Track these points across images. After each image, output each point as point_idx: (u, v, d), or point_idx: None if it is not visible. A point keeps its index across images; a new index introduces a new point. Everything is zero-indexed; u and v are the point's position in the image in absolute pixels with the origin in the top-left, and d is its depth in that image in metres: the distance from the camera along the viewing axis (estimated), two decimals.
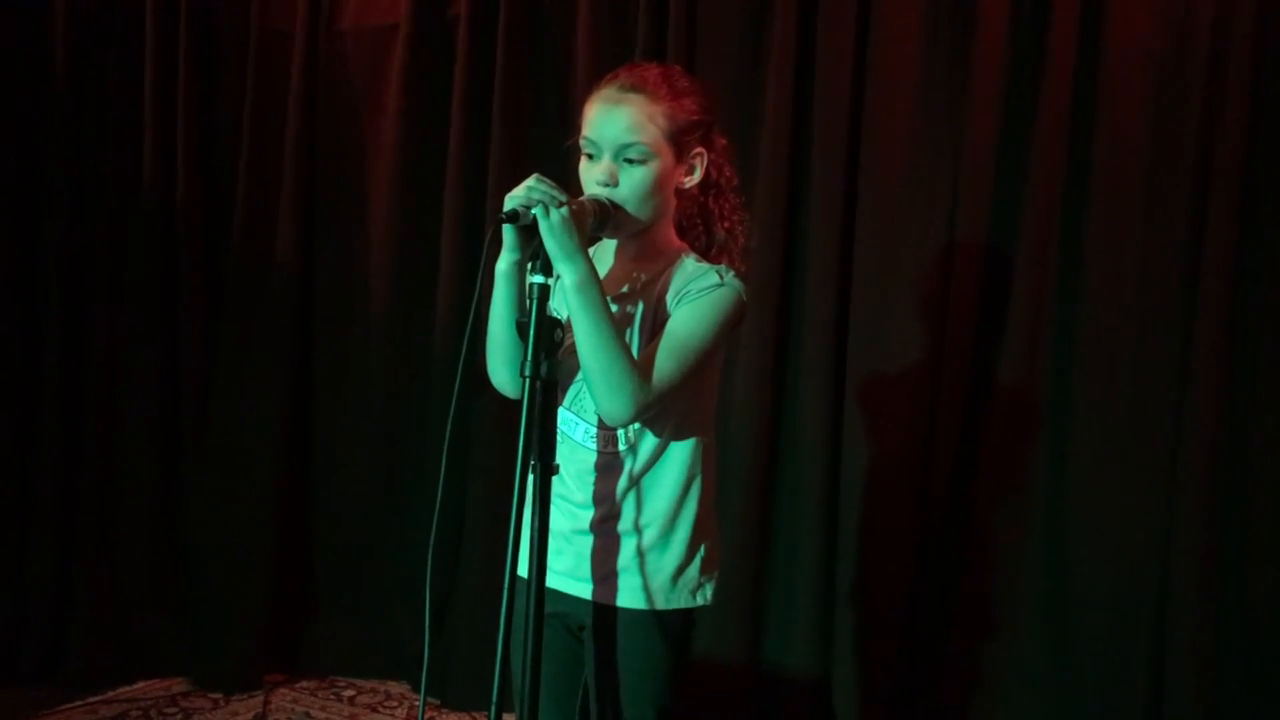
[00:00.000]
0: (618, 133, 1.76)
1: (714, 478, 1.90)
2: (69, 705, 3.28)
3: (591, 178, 1.78)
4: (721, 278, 1.77)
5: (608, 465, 1.81)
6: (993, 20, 2.84)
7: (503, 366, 1.81)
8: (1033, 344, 2.88)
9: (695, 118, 1.81)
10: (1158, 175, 2.77)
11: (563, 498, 1.82)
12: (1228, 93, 2.66)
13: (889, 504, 3.00)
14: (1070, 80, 2.79)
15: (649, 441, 1.81)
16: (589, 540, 1.83)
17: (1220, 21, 2.68)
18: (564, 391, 1.82)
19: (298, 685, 3.56)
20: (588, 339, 1.67)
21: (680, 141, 1.79)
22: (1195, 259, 2.72)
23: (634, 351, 1.76)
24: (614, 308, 1.74)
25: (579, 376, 1.79)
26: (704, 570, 1.87)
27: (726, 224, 1.89)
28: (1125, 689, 2.83)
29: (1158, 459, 2.79)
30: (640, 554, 1.82)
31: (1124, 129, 2.78)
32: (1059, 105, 2.80)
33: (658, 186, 1.78)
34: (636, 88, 1.77)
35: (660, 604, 1.82)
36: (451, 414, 1.66)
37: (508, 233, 1.67)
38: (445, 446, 1.69)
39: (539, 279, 1.63)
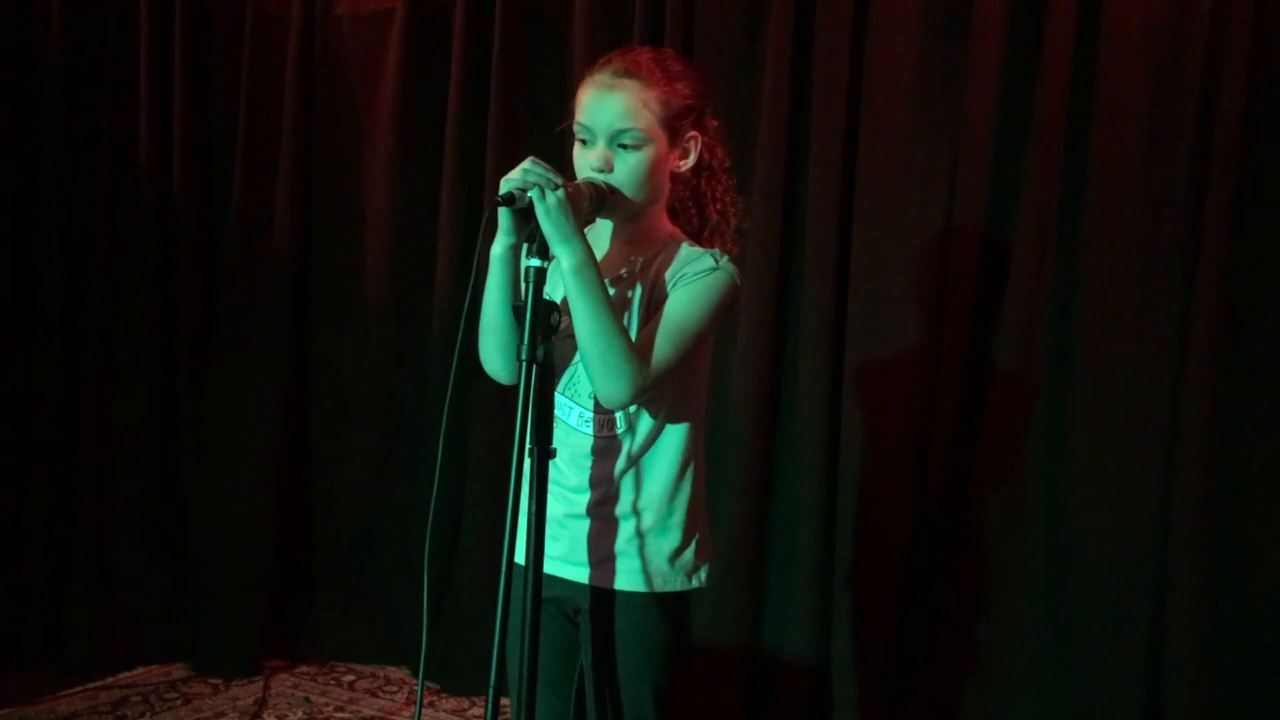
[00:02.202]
0: (612, 119, 1.75)
1: (705, 464, 1.90)
2: (69, 690, 3.30)
3: (586, 163, 1.78)
4: (716, 262, 1.78)
5: (604, 448, 1.81)
6: (990, 3, 2.83)
7: (496, 351, 1.80)
8: (1030, 329, 2.88)
9: (689, 102, 1.80)
10: (1156, 158, 2.77)
11: (556, 482, 1.82)
12: (1226, 73, 2.65)
13: (887, 488, 3.01)
14: (1069, 61, 2.79)
15: (646, 422, 1.81)
16: (585, 524, 1.83)
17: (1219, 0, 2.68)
18: (558, 376, 1.82)
19: (297, 670, 3.57)
20: (586, 321, 1.67)
21: (674, 126, 1.79)
22: (1193, 241, 2.71)
23: (631, 335, 1.76)
24: (611, 291, 1.74)
25: (573, 360, 1.79)
26: (699, 554, 1.87)
27: (719, 205, 1.89)
28: (1123, 673, 2.83)
29: (1155, 444, 2.79)
30: (639, 536, 1.82)
31: (1122, 110, 2.77)
32: (1057, 87, 2.79)
33: (652, 171, 1.78)
34: (630, 73, 1.77)
35: (659, 586, 1.82)
36: (448, 399, 1.66)
37: (503, 216, 1.67)
38: (442, 431, 1.69)
39: (535, 262, 1.62)
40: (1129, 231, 2.80)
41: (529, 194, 1.62)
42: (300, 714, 3.24)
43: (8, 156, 3.45)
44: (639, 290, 1.82)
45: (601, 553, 1.83)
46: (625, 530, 1.83)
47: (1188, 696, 2.74)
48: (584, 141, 1.79)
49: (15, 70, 3.45)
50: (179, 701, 3.28)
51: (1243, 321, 2.71)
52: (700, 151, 1.84)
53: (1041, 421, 2.90)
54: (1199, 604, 2.73)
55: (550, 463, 1.69)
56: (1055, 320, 2.88)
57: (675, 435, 1.83)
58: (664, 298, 1.77)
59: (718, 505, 2.86)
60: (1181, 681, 2.74)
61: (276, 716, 3.22)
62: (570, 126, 1.82)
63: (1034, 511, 2.92)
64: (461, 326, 1.65)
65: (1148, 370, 2.80)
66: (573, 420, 1.83)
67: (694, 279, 1.76)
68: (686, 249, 1.83)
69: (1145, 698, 2.81)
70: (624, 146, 1.76)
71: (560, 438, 1.79)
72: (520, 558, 1.66)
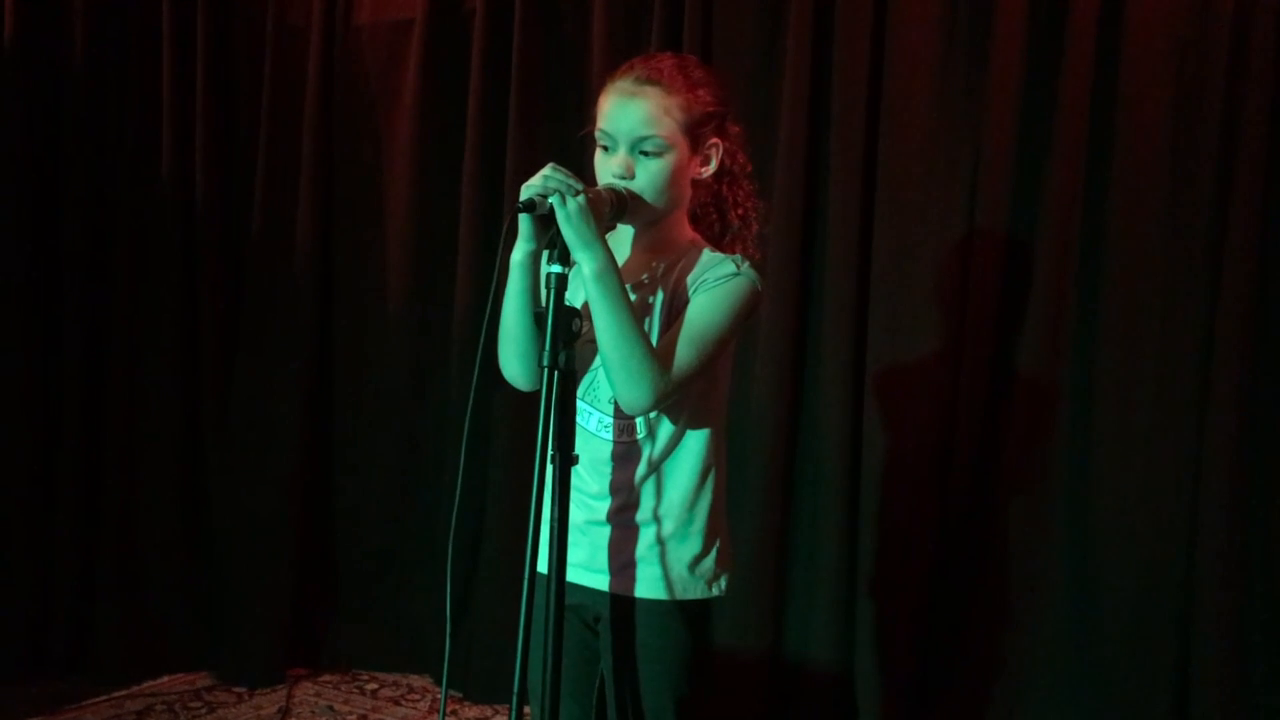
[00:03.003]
0: (634, 126, 1.75)
1: (725, 471, 1.89)
2: (95, 700, 3.31)
3: (607, 170, 1.78)
4: (738, 267, 1.78)
5: (625, 454, 1.81)
6: (1012, 4, 2.82)
7: (515, 358, 1.81)
8: (1054, 332, 2.86)
9: (711, 109, 1.80)
10: (1180, 159, 2.74)
11: (576, 489, 1.81)
12: (1251, 75, 2.63)
13: (910, 494, 2.99)
14: (1091, 63, 2.77)
15: (667, 427, 1.81)
16: (605, 531, 1.83)
17: (1244, 2, 2.65)
18: (578, 382, 1.81)
19: (320, 679, 3.57)
20: (608, 327, 1.67)
21: (696, 133, 1.79)
22: (1219, 242, 2.69)
23: (653, 340, 1.76)
24: (632, 297, 1.73)
25: (593, 366, 1.79)
26: (720, 562, 1.87)
27: (740, 211, 1.89)
28: (1149, 680, 2.80)
29: (1181, 447, 2.76)
30: (659, 543, 1.81)
31: (1146, 112, 2.75)
32: (1080, 89, 2.77)
33: (674, 178, 1.78)
34: (652, 80, 1.76)
35: (679, 593, 1.82)
36: (470, 406, 1.66)
37: (524, 222, 1.67)
38: (464, 439, 1.69)
39: (556, 268, 1.62)
40: (1153, 233, 2.77)
41: (550, 200, 1.62)
42: None
43: (32, 164, 3.47)
44: (660, 296, 1.81)
45: (622, 560, 1.83)
46: (646, 537, 1.82)
47: (1215, 703, 2.70)
48: (605, 148, 1.79)
49: (39, 78, 3.47)
50: (204, 710, 3.29)
51: (1269, 322, 2.69)
52: (722, 157, 1.84)
53: (1066, 425, 2.88)
54: (1227, 611, 2.70)
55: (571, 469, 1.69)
56: (1079, 323, 2.85)
57: (696, 441, 1.83)
58: (685, 303, 1.77)
59: (739, 511, 2.85)
60: (1210, 688, 2.71)
61: None
62: (591, 132, 1.82)
63: (1059, 517, 2.89)
64: (483, 333, 1.65)
65: (1173, 372, 2.78)
66: (592, 426, 1.83)
67: (715, 285, 1.76)
68: (708, 254, 1.82)
69: (1173, 706, 2.78)
70: (645, 153, 1.76)
71: (580, 444, 1.78)
72: (542, 565, 1.66)
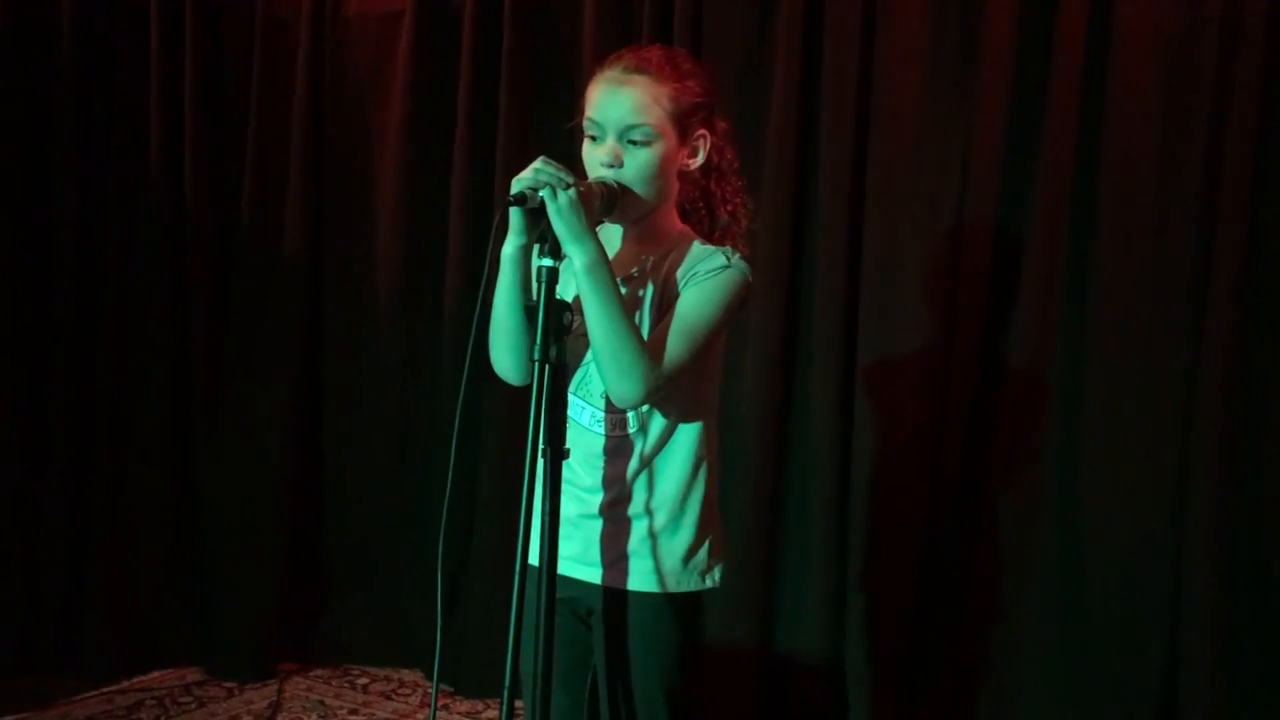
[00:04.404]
0: (622, 114, 1.75)
1: (717, 463, 1.89)
2: (85, 695, 3.30)
3: (595, 159, 1.78)
4: (728, 260, 1.77)
5: (617, 448, 1.81)
6: (1002, 1, 2.81)
7: (505, 352, 1.80)
8: (1043, 326, 2.86)
9: (699, 100, 1.80)
10: (1169, 152, 2.75)
11: (569, 483, 1.80)
12: (1240, 69, 2.63)
13: (900, 489, 2.99)
14: (1081, 58, 2.77)
15: (658, 421, 1.81)
16: (598, 525, 1.83)
17: (1233, 1, 2.65)
18: (570, 376, 1.81)
19: (311, 673, 3.58)
20: (599, 321, 1.67)
21: (684, 123, 1.79)
22: (1208, 237, 2.70)
23: (644, 334, 1.75)
24: (623, 290, 1.73)
25: (585, 361, 1.79)
26: (712, 554, 1.87)
27: (729, 207, 1.89)
28: (1138, 675, 2.82)
29: (1170, 442, 2.77)
30: (652, 536, 1.81)
31: (1135, 106, 2.76)
32: (1069, 83, 2.78)
33: (662, 168, 1.78)
34: (641, 69, 1.76)
35: (671, 586, 1.82)
36: (461, 400, 1.65)
37: (515, 216, 1.66)
38: (455, 433, 1.68)
39: (547, 262, 1.62)
40: (1143, 227, 2.78)
41: (540, 193, 1.61)
42: (314, 717, 3.24)
43: (20, 164, 3.45)
44: (650, 289, 1.81)
45: (614, 553, 1.83)
46: (638, 530, 1.82)
47: (1204, 697, 2.71)
48: (593, 138, 1.79)
49: (27, 77, 3.45)
50: (194, 705, 3.29)
51: (1257, 314, 2.70)
52: (709, 151, 1.83)
53: (1056, 420, 2.89)
54: (1216, 605, 2.71)
55: (563, 463, 1.68)
56: (1068, 318, 2.86)
57: (688, 435, 1.83)
58: (676, 296, 1.77)
59: (730, 505, 2.85)
60: (1198, 682, 2.72)
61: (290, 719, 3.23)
62: (580, 123, 1.82)
63: (1049, 510, 2.90)
64: (474, 327, 1.64)
65: (1162, 366, 2.79)
66: (585, 420, 1.83)
67: (705, 277, 1.76)
68: (698, 247, 1.82)
69: (1161, 699, 2.79)
70: (634, 143, 1.76)
71: (572, 438, 1.77)
72: (534, 559, 1.65)
